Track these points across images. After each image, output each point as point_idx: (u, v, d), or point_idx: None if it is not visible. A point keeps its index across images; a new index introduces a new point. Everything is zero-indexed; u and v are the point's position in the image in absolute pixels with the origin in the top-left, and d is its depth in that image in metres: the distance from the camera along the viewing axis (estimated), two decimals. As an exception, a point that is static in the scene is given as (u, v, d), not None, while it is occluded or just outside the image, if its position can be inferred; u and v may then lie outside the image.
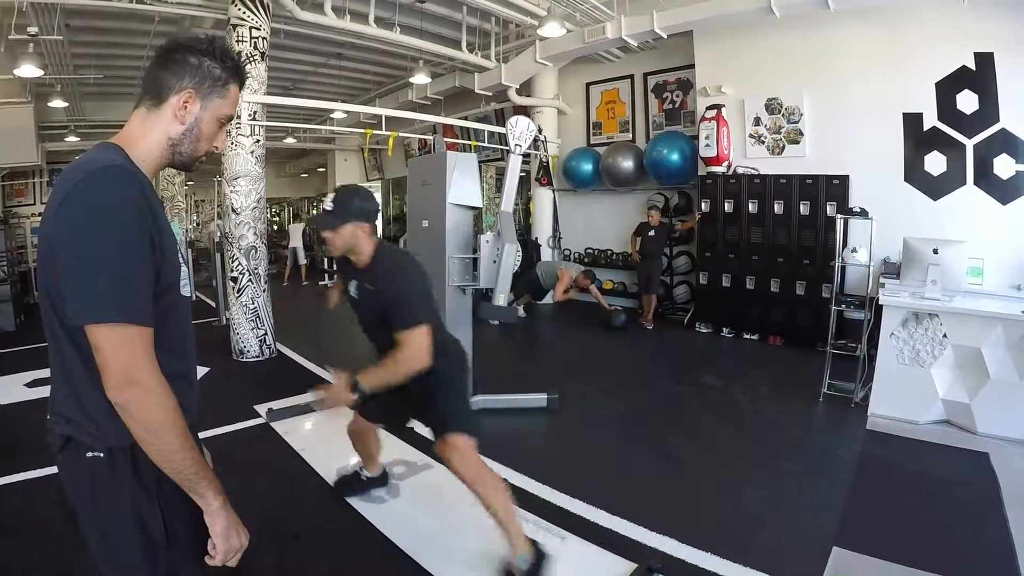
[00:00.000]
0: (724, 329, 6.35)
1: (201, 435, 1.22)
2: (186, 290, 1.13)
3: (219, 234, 7.84)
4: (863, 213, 4.26)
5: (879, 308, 3.84)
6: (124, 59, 8.42)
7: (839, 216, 4.37)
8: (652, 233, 6.81)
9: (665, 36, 6.34)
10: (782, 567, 2.22)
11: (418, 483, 3.00)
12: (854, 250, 4.14)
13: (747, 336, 6.16)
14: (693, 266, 7.11)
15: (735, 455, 3.48)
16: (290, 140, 13.30)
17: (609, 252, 8.33)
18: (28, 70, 5.92)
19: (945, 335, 3.69)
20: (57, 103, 8.39)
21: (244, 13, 5.33)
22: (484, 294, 3.86)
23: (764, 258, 6.06)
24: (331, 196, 2.14)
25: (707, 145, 6.33)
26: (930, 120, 5.43)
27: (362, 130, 6.85)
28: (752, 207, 6.10)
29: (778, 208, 5.93)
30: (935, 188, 5.45)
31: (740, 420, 4.03)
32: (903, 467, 3.22)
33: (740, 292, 6.22)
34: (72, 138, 10.40)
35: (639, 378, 5.23)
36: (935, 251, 4.00)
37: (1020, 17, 4.85)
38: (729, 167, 6.43)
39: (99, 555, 1.09)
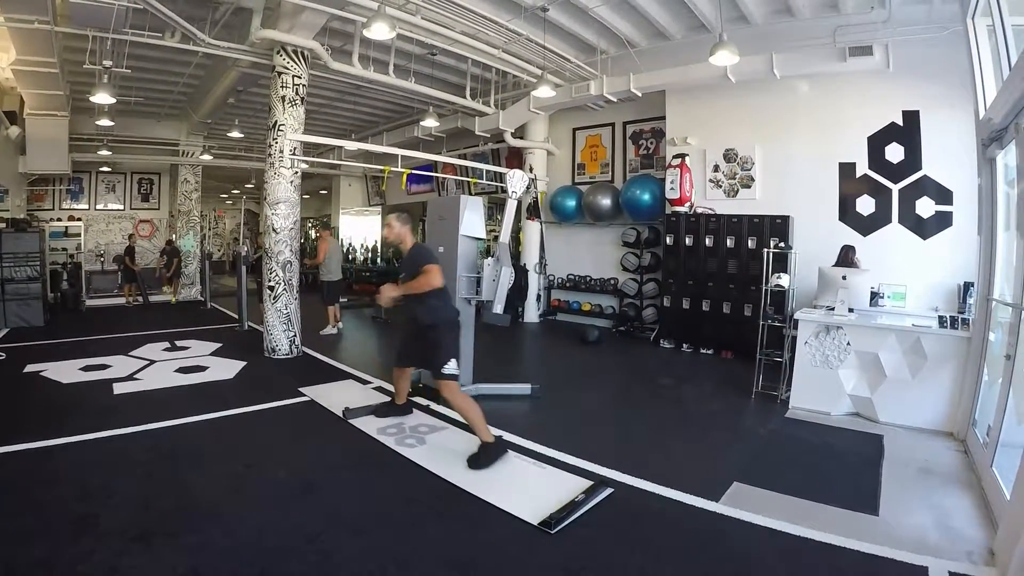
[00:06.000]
0: (684, 344, 7.34)
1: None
2: None
3: (246, 249, 8.66)
4: (786, 247, 5.32)
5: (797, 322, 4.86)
6: (161, 84, 9.40)
7: (765, 249, 5.39)
8: None
9: (640, 95, 7.50)
10: (696, 491, 3.17)
11: (438, 437, 3.95)
12: (779, 276, 5.16)
13: (703, 351, 7.16)
14: (659, 291, 8.05)
15: (674, 428, 4.50)
16: (303, 165, 14.25)
17: (588, 278, 9.32)
18: (103, 97, 6.78)
19: (848, 343, 4.70)
20: (104, 122, 9.17)
21: (288, 63, 6.32)
22: (485, 304, 4.84)
23: (718, 285, 7.07)
24: (396, 214, 3.93)
25: (672, 188, 7.41)
26: (862, 168, 6.48)
27: (381, 167, 7.82)
28: (709, 241, 7.15)
29: (730, 243, 6.99)
30: (865, 226, 6.48)
31: (685, 407, 5.06)
32: (808, 441, 4.19)
33: (697, 313, 7.21)
34: (104, 152, 11.13)
35: (607, 377, 6.26)
36: (843, 278, 5.07)
37: (941, 80, 5.66)
38: (691, 207, 7.50)
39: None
